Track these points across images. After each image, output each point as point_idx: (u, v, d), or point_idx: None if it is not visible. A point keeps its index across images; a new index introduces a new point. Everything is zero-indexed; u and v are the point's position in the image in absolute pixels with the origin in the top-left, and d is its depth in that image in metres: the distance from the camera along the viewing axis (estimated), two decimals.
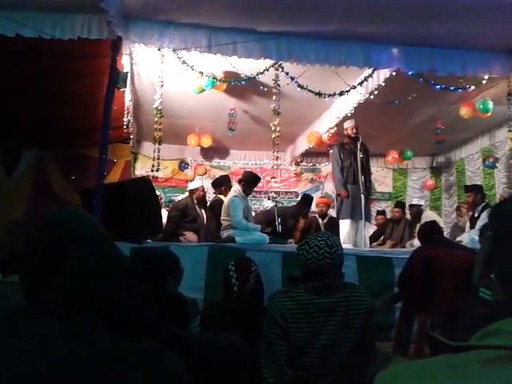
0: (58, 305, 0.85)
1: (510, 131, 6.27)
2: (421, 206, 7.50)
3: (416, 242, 6.76)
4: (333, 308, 1.90)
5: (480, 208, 5.92)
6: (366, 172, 6.22)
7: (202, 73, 5.58)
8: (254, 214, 6.80)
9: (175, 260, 2.62)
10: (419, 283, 3.73)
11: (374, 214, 8.50)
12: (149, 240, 4.98)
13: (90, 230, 1.04)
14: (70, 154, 7.95)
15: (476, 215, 5.96)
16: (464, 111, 6.82)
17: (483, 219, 5.66)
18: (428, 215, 7.42)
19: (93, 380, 0.71)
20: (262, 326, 1.94)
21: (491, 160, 8.23)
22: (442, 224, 7.43)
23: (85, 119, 6.16)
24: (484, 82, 5.88)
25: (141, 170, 9.51)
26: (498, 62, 5.62)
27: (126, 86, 4.71)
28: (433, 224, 4.42)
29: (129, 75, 5.29)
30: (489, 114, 6.60)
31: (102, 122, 4.57)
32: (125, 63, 5.32)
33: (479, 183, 8.81)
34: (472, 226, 6.01)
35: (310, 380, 1.86)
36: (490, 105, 6.48)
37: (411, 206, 7.57)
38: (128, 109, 6.44)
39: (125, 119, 6.52)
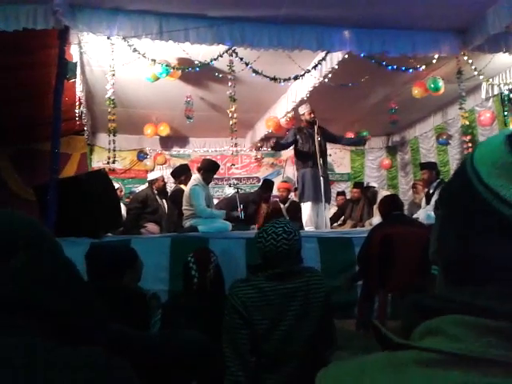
0: None
1: (460, 109, 6.47)
2: (374, 187, 7.66)
3: (375, 221, 6.94)
4: (293, 293, 1.93)
5: (435, 184, 6.10)
6: (325, 155, 6.30)
7: (154, 60, 5.48)
8: (215, 201, 6.78)
9: (133, 255, 2.58)
10: (377, 261, 3.83)
11: (334, 195, 8.64)
12: (109, 234, 4.89)
13: (29, 230, 1.02)
14: (23, 149, 7.67)
15: (431, 191, 6.14)
16: (416, 91, 6.98)
17: (437, 195, 5.86)
18: (383, 195, 7.61)
19: None
20: (224, 316, 1.95)
21: (444, 137, 8.48)
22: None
23: (36, 113, 5.95)
24: (434, 61, 6.02)
25: (98, 162, 9.28)
26: (446, 41, 5.77)
27: (75, 76, 4.58)
28: (392, 197, 4.54)
29: (78, 65, 5.13)
30: (440, 92, 6.78)
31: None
32: (74, 53, 5.16)
33: (433, 160, 9.10)
34: (428, 203, 6.19)
35: (273, 366, 1.90)
36: (441, 83, 6.65)
37: (366, 187, 7.75)
38: (80, 100, 6.25)
39: (77, 110, 6.32)
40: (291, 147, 6.40)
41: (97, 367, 0.74)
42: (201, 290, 2.17)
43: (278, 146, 6.37)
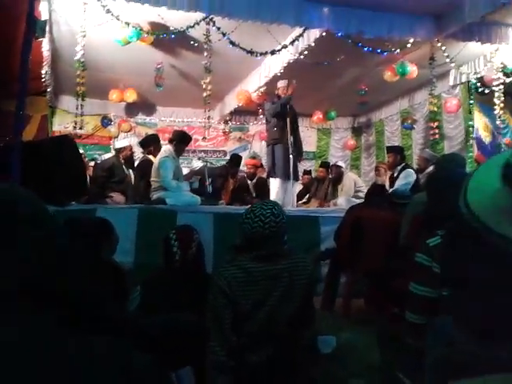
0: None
1: (430, 94, 6.60)
2: (341, 167, 7.77)
3: (340, 201, 7.06)
4: (278, 275, 1.94)
5: (399, 168, 6.23)
6: (295, 132, 6.30)
7: (128, 23, 5.24)
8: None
9: (110, 226, 2.52)
10: (347, 241, 3.91)
11: (300, 173, 8.71)
12: (73, 202, 4.74)
13: (33, 208, 0.96)
14: None
15: (395, 175, 6.28)
16: (388, 74, 7.04)
17: (401, 178, 6.01)
18: (349, 176, 7.74)
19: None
20: (206, 293, 1.94)
21: (409, 121, 8.63)
22: (360, 183, 7.84)
23: None
24: (409, 45, 6.07)
25: (59, 125, 8.92)
26: (422, 26, 5.82)
27: (44, 36, 4.33)
28: (380, 187, 4.66)
29: (47, 23, 4.84)
30: (408, 76, 6.86)
31: (17, 74, 4.17)
32: (43, 10, 4.85)
33: (397, 144, 9.29)
34: (391, 186, 6.34)
35: (254, 346, 1.91)
36: (409, 68, 6.73)
37: (333, 166, 7.84)
38: (46, 59, 5.92)
39: (43, 71, 5.99)
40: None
41: (118, 361, 0.72)
42: (182, 266, 2.15)
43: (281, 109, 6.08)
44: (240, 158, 7.52)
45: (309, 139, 10.89)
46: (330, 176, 7.88)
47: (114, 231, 2.52)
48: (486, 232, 0.53)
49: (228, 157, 9.23)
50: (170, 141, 5.26)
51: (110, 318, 1.06)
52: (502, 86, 6.65)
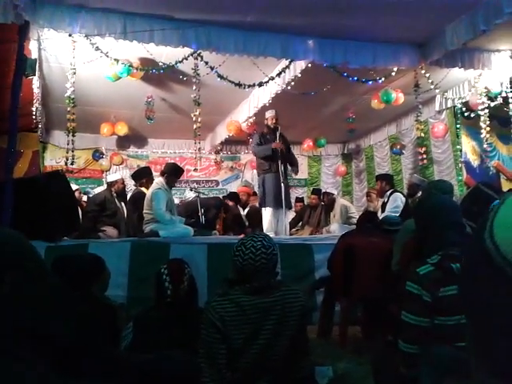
0: None
1: (416, 120, 6.71)
2: (333, 194, 7.83)
3: (332, 228, 7.09)
4: (270, 307, 1.93)
5: (388, 194, 6.32)
6: (287, 161, 6.36)
7: (117, 60, 5.34)
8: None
9: (100, 266, 2.50)
10: (340, 269, 3.91)
11: (293, 200, 8.75)
12: (65, 238, 4.72)
13: (18, 249, 0.97)
14: None
15: (385, 201, 6.35)
16: (375, 102, 7.18)
17: (390, 203, 6.11)
18: (341, 202, 7.79)
19: None
20: (199, 328, 1.92)
21: (398, 147, 8.76)
22: (352, 209, 7.89)
23: None
24: (393, 73, 6.22)
25: (51, 160, 8.95)
26: (406, 54, 5.97)
27: (34, 74, 4.39)
28: (371, 214, 4.70)
29: (37, 61, 4.92)
30: (394, 102, 7.00)
31: (7, 111, 4.23)
32: (32, 48, 4.94)
33: (387, 169, 9.40)
34: (383, 211, 6.40)
35: (248, 381, 1.89)
36: (393, 95, 6.88)
37: (325, 194, 7.90)
38: (37, 96, 5.99)
39: (33, 108, 6.05)
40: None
41: None
42: (174, 302, 2.13)
43: (259, 154, 6.28)
44: (238, 195, 7.63)
45: (300, 166, 10.83)
46: (323, 203, 7.93)
47: (105, 268, 2.50)
48: (510, 269, 0.52)
49: (220, 186, 9.30)
50: (162, 173, 5.29)
51: (101, 359, 1.06)
52: (487, 110, 6.78)
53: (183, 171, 5.74)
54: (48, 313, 0.94)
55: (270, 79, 6.06)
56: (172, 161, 8.94)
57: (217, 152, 10.15)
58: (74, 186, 6.68)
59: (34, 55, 4.97)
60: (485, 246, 0.54)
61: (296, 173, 6.99)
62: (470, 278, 0.58)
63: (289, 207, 6.48)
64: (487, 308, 0.55)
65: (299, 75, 5.95)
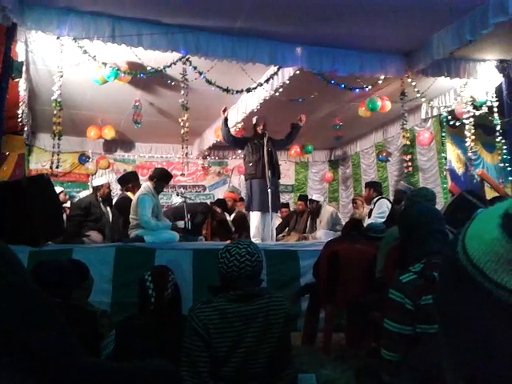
0: None
1: (402, 128, 6.78)
2: (319, 201, 7.85)
3: (319, 234, 7.11)
4: (254, 315, 1.92)
5: (375, 201, 6.38)
6: (274, 166, 6.35)
7: (105, 64, 5.31)
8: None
9: (84, 269, 2.48)
10: (325, 277, 3.92)
11: None
12: (49, 242, 4.65)
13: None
14: None
15: (373, 207, 6.40)
16: (362, 109, 7.25)
17: (377, 207, 6.17)
18: (327, 209, 7.82)
19: None
20: (182, 336, 1.91)
21: (384, 154, 8.83)
22: (338, 215, 7.93)
23: None
24: (380, 81, 6.28)
25: (36, 163, 8.85)
26: (393, 63, 6.05)
27: (21, 76, 4.35)
28: (357, 221, 4.74)
29: (24, 64, 4.88)
30: (380, 110, 7.07)
31: None
32: (19, 51, 4.90)
33: (373, 176, 9.48)
34: (370, 217, 6.45)
35: None
36: (379, 103, 6.95)
37: (311, 201, 7.92)
38: (23, 99, 5.93)
39: (19, 111, 5.99)
40: (239, 152, 6.36)
41: None
42: (158, 309, 2.11)
43: (228, 135, 6.07)
44: (226, 203, 7.61)
45: (287, 172, 11.01)
46: (309, 209, 7.94)
47: (88, 274, 2.48)
48: (481, 278, 0.54)
49: (207, 191, 9.28)
50: (151, 178, 5.24)
51: (79, 366, 1.05)
52: (472, 119, 6.87)
53: (172, 177, 5.71)
54: (24, 318, 0.93)
55: (258, 85, 6.08)
56: (159, 165, 8.92)
57: (204, 157, 10.14)
58: (58, 189, 6.61)
59: (21, 58, 4.93)
60: (458, 257, 0.56)
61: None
62: (443, 287, 0.60)
63: (276, 210, 6.44)
64: (457, 318, 0.56)
65: (287, 82, 6.00)
